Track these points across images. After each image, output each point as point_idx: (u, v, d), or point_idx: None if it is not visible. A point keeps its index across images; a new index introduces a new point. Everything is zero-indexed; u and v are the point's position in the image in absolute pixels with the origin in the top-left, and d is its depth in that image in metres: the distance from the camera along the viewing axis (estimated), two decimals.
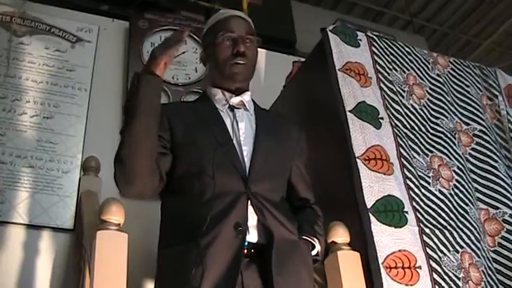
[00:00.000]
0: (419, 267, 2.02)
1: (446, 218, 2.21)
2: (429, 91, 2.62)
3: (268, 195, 1.75)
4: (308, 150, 2.04)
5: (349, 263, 1.96)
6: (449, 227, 2.19)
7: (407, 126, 2.42)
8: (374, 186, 2.14)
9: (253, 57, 1.93)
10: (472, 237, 2.22)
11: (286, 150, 1.94)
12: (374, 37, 2.65)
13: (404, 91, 2.53)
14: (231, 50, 1.87)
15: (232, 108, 1.90)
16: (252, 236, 1.69)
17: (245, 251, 1.65)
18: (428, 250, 2.08)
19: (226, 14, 1.97)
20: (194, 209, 1.68)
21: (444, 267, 2.07)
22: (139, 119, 1.65)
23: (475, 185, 2.43)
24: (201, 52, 2.05)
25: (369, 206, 2.09)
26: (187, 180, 1.76)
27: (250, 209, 1.70)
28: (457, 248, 2.15)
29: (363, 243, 2.03)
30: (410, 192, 2.20)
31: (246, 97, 1.94)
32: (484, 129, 2.59)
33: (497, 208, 2.39)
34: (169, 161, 1.80)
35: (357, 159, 2.19)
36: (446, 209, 2.24)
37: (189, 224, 1.66)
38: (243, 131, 1.85)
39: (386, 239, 2.04)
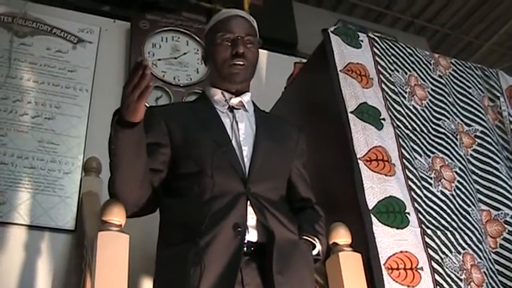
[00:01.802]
0: (421, 268, 2.02)
1: (448, 219, 2.21)
2: (431, 92, 2.61)
3: (268, 195, 1.75)
4: (309, 151, 2.04)
5: (350, 264, 1.96)
6: (451, 228, 2.19)
7: (409, 127, 2.41)
8: (375, 188, 2.14)
9: (253, 58, 1.92)
10: (474, 239, 2.21)
11: (286, 151, 1.94)
12: (375, 38, 2.65)
13: (405, 92, 2.53)
14: (230, 51, 1.86)
15: (231, 109, 1.89)
16: (252, 236, 1.69)
17: (245, 249, 1.64)
18: (430, 251, 2.08)
19: (227, 13, 1.96)
20: (193, 209, 1.68)
21: (446, 269, 2.06)
22: (124, 165, 1.65)
23: (477, 186, 2.43)
24: (202, 51, 2.05)
25: (370, 207, 2.09)
26: (186, 181, 1.76)
27: (250, 209, 1.70)
28: (459, 249, 2.15)
29: (364, 245, 2.03)
30: (412, 193, 2.20)
31: (246, 98, 1.93)
32: (485, 130, 2.59)
33: (498, 209, 2.39)
34: (163, 176, 1.81)
35: (358, 160, 2.19)
36: (448, 210, 2.23)
37: (188, 225, 1.66)
38: (243, 132, 1.85)
39: (388, 240, 2.03)
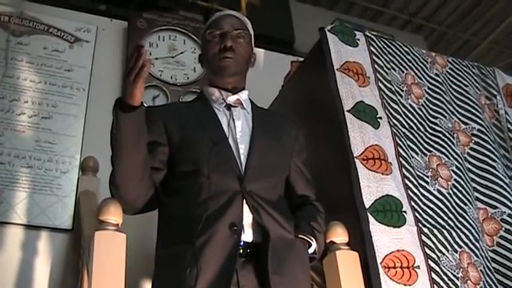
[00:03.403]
0: (418, 266, 2.02)
1: (445, 217, 2.21)
2: (427, 90, 2.61)
3: (264, 193, 1.75)
4: (306, 150, 2.04)
5: (347, 263, 1.96)
6: (447, 227, 2.19)
7: (406, 125, 2.41)
8: (372, 186, 2.13)
9: (244, 51, 1.93)
10: (471, 237, 2.21)
11: (284, 148, 1.94)
12: (372, 37, 2.65)
13: (402, 91, 2.53)
14: (219, 46, 1.89)
15: (229, 107, 1.90)
16: (248, 236, 1.68)
17: (241, 250, 1.65)
18: (426, 250, 2.08)
19: (219, 14, 2.00)
20: (190, 209, 1.68)
21: (443, 267, 2.06)
22: (125, 152, 1.67)
23: (474, 185, 2.43)
24: (200, 53, 2.07)
25: (367, 206, 2.09)
26: (183, 181, 1.76)
27: (246, 208, 1.70)
28: (456, 247, 2.15)
29: (361, 243, 2.02)
30: (409, 191, 2.20)
31: (243, 95, 1.94)
32: (482, 128, 2.59)
33: (495, 207, 2.39)
34: (163, 175, 1.82)
35: (355, 159, 2.19)
36: (445, 209, 2.23)
37: (185, 225, 1.67)
38: (240, 129, 1.85)
39: (385, 239, 2.03)
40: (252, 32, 2.01)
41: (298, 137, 2.01)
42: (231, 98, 1.90)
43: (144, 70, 1.55)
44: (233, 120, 1.86)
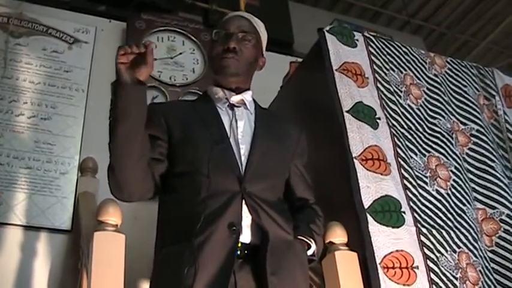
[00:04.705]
0: (417, 267, 2.03)
1: (444, 218, 2.21)
2: (426, 91, 2.62)
3: (263, 194, 1.74)
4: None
5: (346, 263, 1.96)
6: (446, 227, 2.19)
7: (405, 126, 2.42)
8: (371, 187, 2.14)
9: (248, 54, 1.91)
10: (470, 237, 2.22)
11: (285, 150, 1.93)
12: (371, 37, 2.65)
13: (401, 91, 2.54)
14: (222, 46, 1.88)
15: (232, 106, 1.89)
16: (246, 237, 1.68)
17: (238, 251, 1.64)
18: (425, 250, 2.08)
19: (230, 14, 2.00)
20: (189, 208, 1.67)
21: (441, 267, 2.07)
22: (119, 127, 1.63)
23: (472, 185, 2.43)
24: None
25: (366, 206, 2.09)
26: (183, 180, 1.75)
27: (245, 208, 1.69)
28: (455, 248, 2.15)
29: (360, 244, 2.03)
30: (408, 192, 2.21)
31: (247, 96, 1.92)
32: (481, 129, 2.59)
33: (494, 208, 2.39)
34: (164, 167, 1.79)
35: (354, 159, 2.19)
36: (444, 209, 2.24)
37: (184, 224, 1.65)
38: (241, 130, 1.84)
39: (384, 239, 2.04)
40: (263, 35, 1.99)
41: (301, 139, 1.99)
42: (235, 98, 1.89)
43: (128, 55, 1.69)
44: (235, 120, 1.85)
